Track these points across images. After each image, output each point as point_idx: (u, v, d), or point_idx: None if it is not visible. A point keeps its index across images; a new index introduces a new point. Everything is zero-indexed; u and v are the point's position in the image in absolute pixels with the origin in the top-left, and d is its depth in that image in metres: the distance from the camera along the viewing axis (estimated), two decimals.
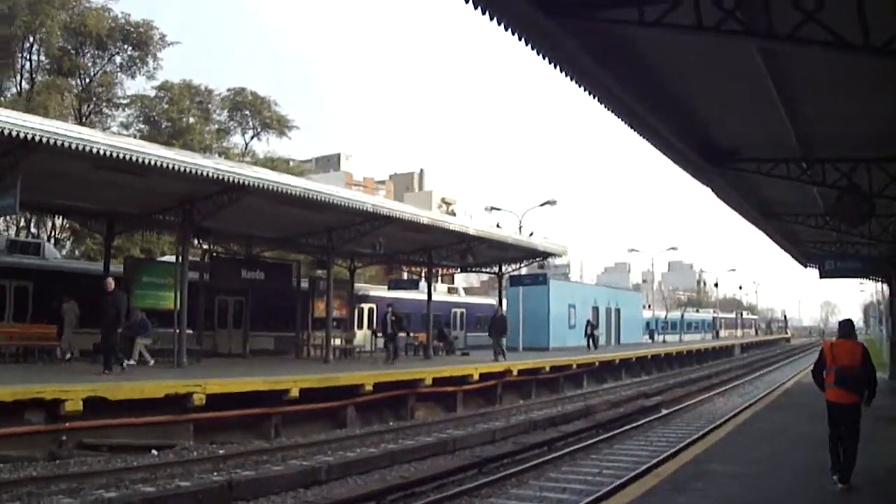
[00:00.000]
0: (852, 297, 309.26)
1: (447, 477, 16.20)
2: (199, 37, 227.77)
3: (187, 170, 20.88)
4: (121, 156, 19.18)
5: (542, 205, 54.00)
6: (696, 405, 31.28)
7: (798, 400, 25.72)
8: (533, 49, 9.36)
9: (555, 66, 9.99)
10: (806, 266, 35.57)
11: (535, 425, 24.31)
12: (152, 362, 25.74)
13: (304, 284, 36.39)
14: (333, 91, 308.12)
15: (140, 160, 19.73)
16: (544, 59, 9.58)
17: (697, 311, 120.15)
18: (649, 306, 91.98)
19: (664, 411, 28.43)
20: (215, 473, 16.65)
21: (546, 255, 41.56)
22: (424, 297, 40.49)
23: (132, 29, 49.48)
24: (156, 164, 20.02)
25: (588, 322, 50.42)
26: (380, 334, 34.79)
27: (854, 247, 27.38)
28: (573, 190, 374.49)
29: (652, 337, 76.28)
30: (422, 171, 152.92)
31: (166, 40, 51.11)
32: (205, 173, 21.29)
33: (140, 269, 30.38)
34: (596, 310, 57.92)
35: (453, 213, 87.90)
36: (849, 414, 11.87)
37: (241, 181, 22.37)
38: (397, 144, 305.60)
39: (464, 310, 55.80)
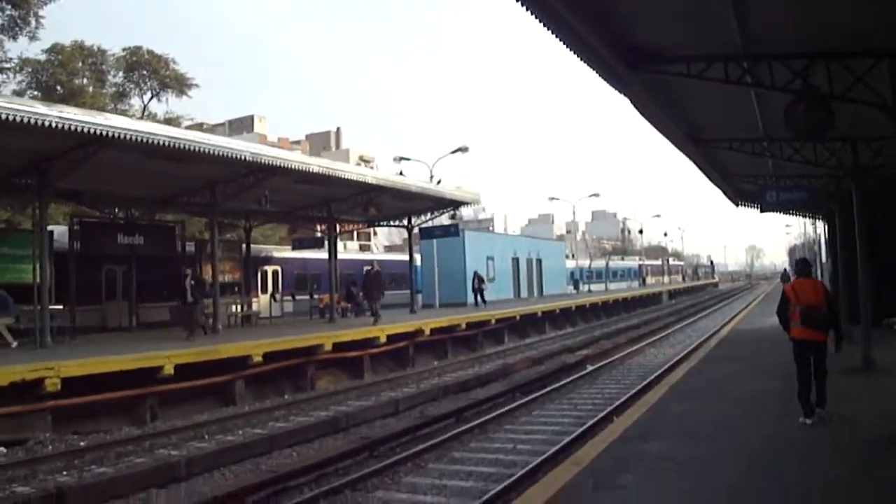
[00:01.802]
0: (777, 240, 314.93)
1: (329, 465, 13.52)
2: None
3: (28, 120, 17.71)
4: None
5: (453, 152, 50.84)
6: (625, 358, 28.96)
7: (736, 351, 23.11)
8: None
9: None
10: (738, 205, 33.15)
11: (445, 391, 21.85)
12: (14, 344, 22.93)
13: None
14: (252, 53, 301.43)
15: None
16: None
17: (623, 259, 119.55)
18: (573, 256, 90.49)
19: (590, 367, 26.02)
20: (65, 472, 14.09)
21: (457, 203, 38.80)
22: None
23: None
24: None
25: (475, 274, 45.68)
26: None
27: (793, 180, 24.74)
28: (494, 142, 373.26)
29: (576, 287, 74.75)
30: (338, 129, 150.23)
31: None
32: (49, 124, 18.20)
33: None
34: (516, 261, 56.08)
35: None
36: (816, 351, 11.87)
37: (94, 131, 19.23)
38: (315, 106, 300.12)
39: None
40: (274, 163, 24.63)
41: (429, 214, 39.79)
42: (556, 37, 10.77)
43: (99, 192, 28.30)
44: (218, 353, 21.53)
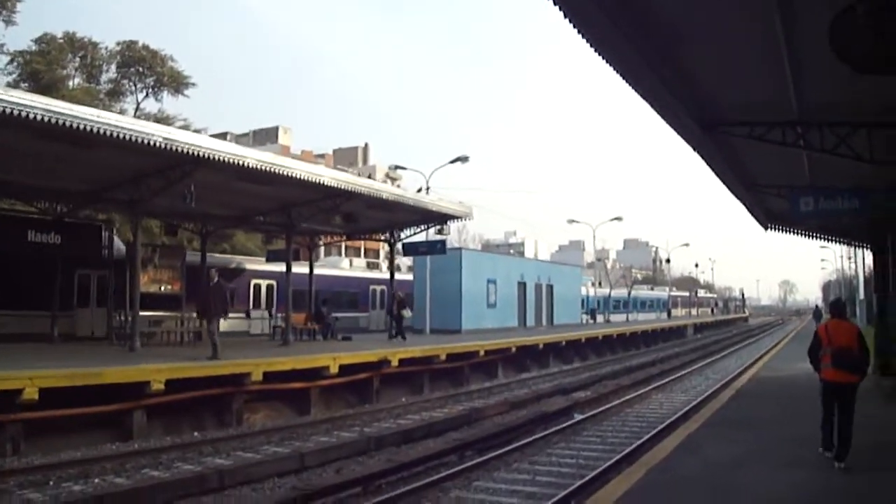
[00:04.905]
0: (811, 277, 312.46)
1: None
2: None
3: None
4: None
5: (452, 161, 45.11)
6: (625, 406, 24.10)
7: (753, 411, 17.79)
8: None
9: None
10: (767, 227, 28.49)
11: (378, 443, 17.29)
12: None
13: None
14: (285, 65, 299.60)
15: None
16: None
17: (652, 288, 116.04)
18: (599, 283, 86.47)
19: (577, 416, 21.44)
20: None
21: (446, 217, 34.13)
22: (334, 272, 34.51)
23: None
24: None
25: (394, 296, 36.52)
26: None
27: (835, 193, 19.06)
28: (520, 162, 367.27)
29: (593, 317, 70.21)
30: (366, 144, 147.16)
31: None
32: None
33: None
34: (523, 286, 51.43)
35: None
36: (845, 394, 11.71)
37: None
38: (344, 121, 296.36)
39: (384, 287, 48.95)
40: (193, 151, 20.32)
41: (413, 228, 35.63)
42: None
43: (21, 185, 24.94)
44: (101, 377, 17.48)
